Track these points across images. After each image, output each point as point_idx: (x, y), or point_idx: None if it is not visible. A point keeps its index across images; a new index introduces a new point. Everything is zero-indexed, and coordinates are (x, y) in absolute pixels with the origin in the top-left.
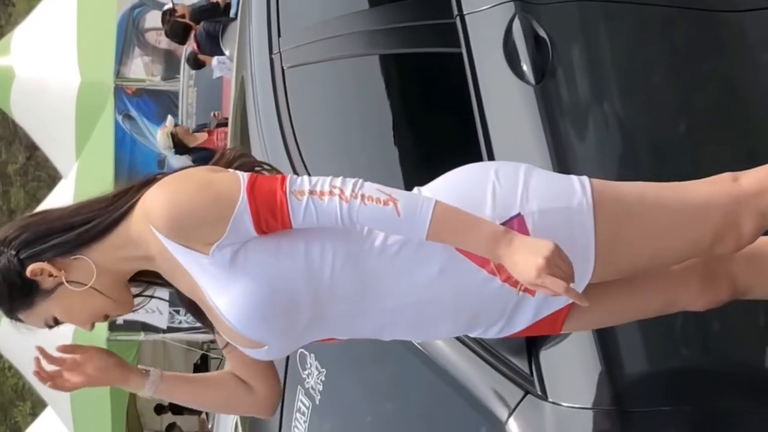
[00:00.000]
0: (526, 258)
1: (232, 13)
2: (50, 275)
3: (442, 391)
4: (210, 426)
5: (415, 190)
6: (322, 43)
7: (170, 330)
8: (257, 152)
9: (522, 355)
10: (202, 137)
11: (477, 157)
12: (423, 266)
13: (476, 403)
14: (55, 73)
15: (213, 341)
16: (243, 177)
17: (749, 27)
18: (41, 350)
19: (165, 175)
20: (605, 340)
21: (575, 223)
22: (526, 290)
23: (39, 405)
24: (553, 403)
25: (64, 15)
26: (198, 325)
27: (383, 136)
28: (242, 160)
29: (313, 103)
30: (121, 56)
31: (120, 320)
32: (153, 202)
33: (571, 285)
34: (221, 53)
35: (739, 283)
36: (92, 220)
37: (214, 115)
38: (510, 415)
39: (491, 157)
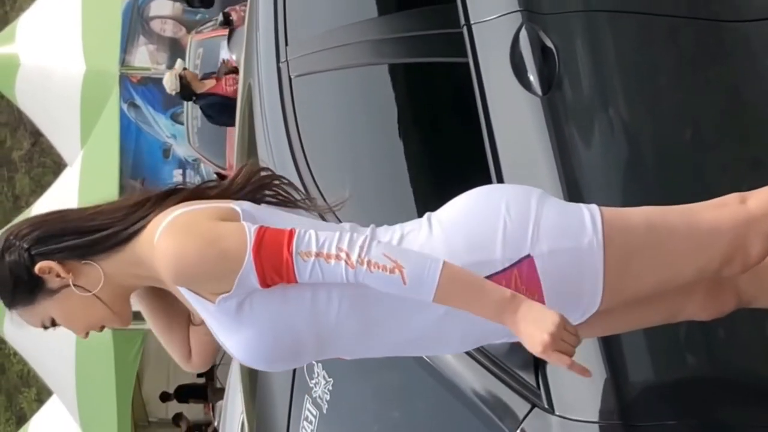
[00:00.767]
0: (532, 331)
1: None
2: (58, 276)
3: (449, 403)
4: (216, 421)
5: (425, 218)
6: (329, 52)
7: None
8: (264, 160)
9: (529, 368)
10: (210, 83)
11: (484, 168)
12: (429, 308)
13: (483, 416)
14: (60, 62)
15: None
16: (250, 233)
17: (755, 37)
18: None
19: (183, 190)
20: (611, 353)
21: (585, 264)
22: None
23: (44, 392)
24: (560, 416)
25: (69, 3)
26: None
27: (390, 145)
28: (261, 174)
29: (320, 112)
30: (126, 44)
31: None
32: (161, 252)
33: (579, 314)
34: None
35: (743, 295)
36: (108, 228)
37: (223, 62)
38: (517, 428)
39: (498, 168)
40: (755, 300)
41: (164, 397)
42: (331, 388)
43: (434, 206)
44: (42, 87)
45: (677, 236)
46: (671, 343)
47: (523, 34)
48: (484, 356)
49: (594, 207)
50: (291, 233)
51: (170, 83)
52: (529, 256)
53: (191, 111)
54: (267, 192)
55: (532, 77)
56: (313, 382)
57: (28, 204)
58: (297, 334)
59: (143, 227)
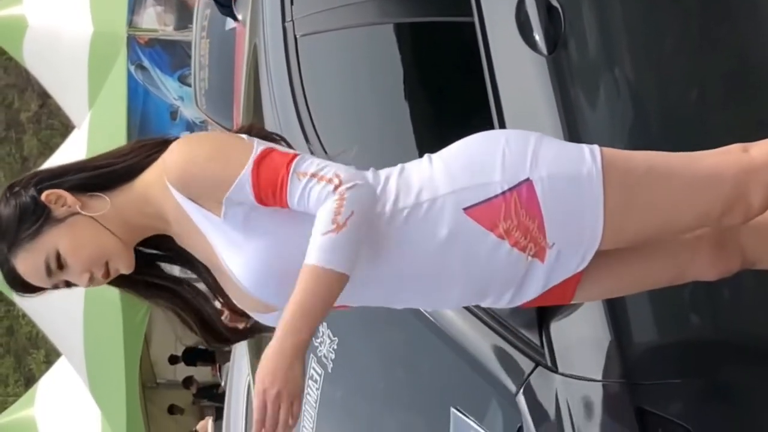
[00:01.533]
0: (276, 361)
1: None
2: (65, 204)
3: (453, 362)
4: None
5: (426, 157)
6: (334, 11)
7: None
8: (269, 120)
9: (533, 327)
10: None
11: (489, 127)
12: (432, 229)
13: (487, 374)
14: (68, 23)
15: None
16: (256, 149)
17: None
18: None
19: None
20: (615, 312)
21: (584, 191)
22: (535, 256)
23: (53, 353)
24: (563, 375)
25: None
26: None
27: (395, 104)
28: (252, 132)
29: (325, 71)
30: (134, 6)
31: None
32: (172, 152)
33: (581, 253)
34: None
35: (748, 254)
36: (116, 163)
37: None
38: (521, 386)
39: (503, 127)
40: (760, 261)
41: (173, 360)
42: (336, 347)
43: None
44: (50, 48)
45: (678, 178)
46: (675, 302)
47: None
48: (488, 315)
49: (594, 145)
50: (295, 155)
51: None
52: (528, 179)
53: (199, 73)
54: None
55: (538, 37)
56: (318, 341)
57: (36, 166)
58: (304, 253)
59: (152, 162)
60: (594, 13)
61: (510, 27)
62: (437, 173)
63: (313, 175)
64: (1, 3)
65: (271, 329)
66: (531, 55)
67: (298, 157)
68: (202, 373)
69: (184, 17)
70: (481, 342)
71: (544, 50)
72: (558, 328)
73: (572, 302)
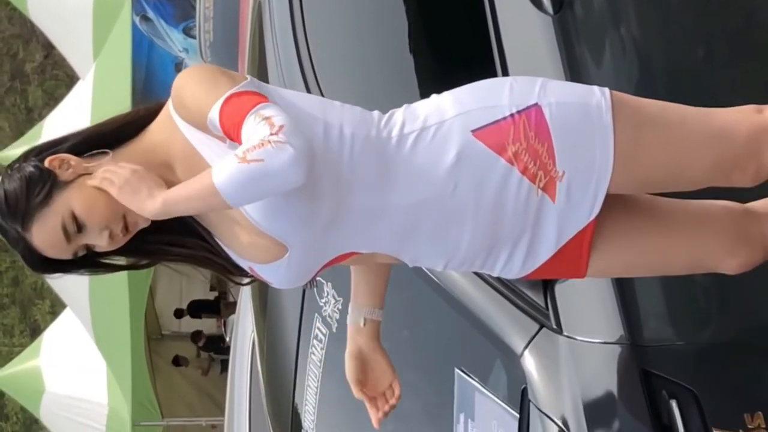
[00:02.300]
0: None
1: None
2: (70, 167)
3: (458, 323)
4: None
5: (433, 95)
6: None
7: None
8: (273, 76)
9: (537, 288)
10: None
11: None
12: (441, 153)
13: (492, 336)
14: None
15: None
16: (240, 87)
17: None
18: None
19: None
20: None
21: (593, 118)
22: (545, 190)
23: (58, 303)
24: (568, 336)
25: None
26: None
27: (399, 58)
28: None
29: (329, 23)
30: None
31: None
32: (177, 80)
33: (592, 189)
34: None
35: None
36: (113, 123)
37: None
38: (525, 348)
39: None
40: None
41: (178, 314)
42: (340, 307)
43: None
44: None
45: (690, 124)
46: None
47: None
48: (493, 277)
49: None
50: (266, 100)
51: None
52: (536, 104)
53: (204, 25)
54: None
55: None
56: (323, 301)
57: (41, 116)
58: (313, 171)
59: (152, 116)
60: None
61: None
62: (444, 101)
63: (266, 118)
64: None
65: None
66: (537, 15)
67: (267, 102)
68: (207, 325)
69: None
70: (486, 303)
71: (550, 10)
72: (563, 290)
73: (587, 275)
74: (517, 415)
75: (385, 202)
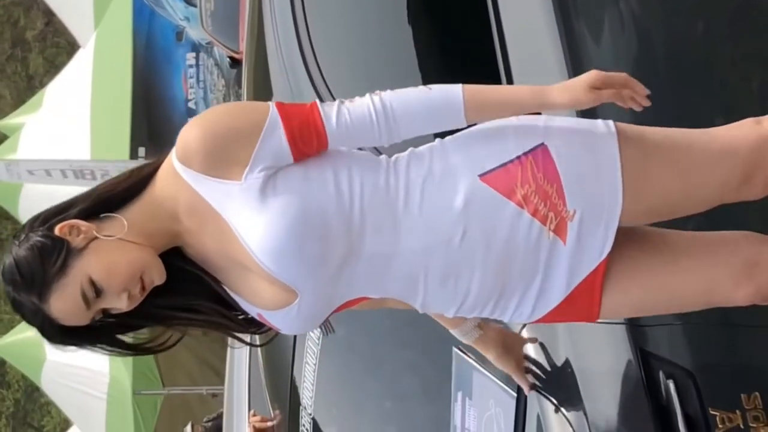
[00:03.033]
0: (573, 86)
1: None
2: (80, 233)
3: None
4: None
5: (437, 141)
6: None
7: None
8: (275, 70)
9: None
10: None
11: (493, 64)
12: (448, 198)
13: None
14: None
15: None
16: (272, 103)
17: None
18: None
19: None
20: None
21: (600, 151)
22: (557, 232)
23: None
24: None
25: None
26: None
27: (399, 38)
28: None
29: (331, 16)
30: None
31: None
32: (187, 132)
33: (603, 225)
34: None
35: None
36: (116, 185)
37: None
38: (523, 327)
39: (507, 64)
40: None
41: None
42: None
43: None
44: None
45: (694, 147)
46: None
47: None
48: None
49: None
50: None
51: None
52: (542, 144)
53: None
54: None
55: None
56: None
57: (42, 84)
58: (325, 214)
59: (154, 172)
60: None
61: None
62: (448, 144)
63: (342, 102)
64: None
65: None
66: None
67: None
68: None
69: None
70: None
71: None
72: None
73: (599, 319)
74: (515, 395)
75: (394, 249)
